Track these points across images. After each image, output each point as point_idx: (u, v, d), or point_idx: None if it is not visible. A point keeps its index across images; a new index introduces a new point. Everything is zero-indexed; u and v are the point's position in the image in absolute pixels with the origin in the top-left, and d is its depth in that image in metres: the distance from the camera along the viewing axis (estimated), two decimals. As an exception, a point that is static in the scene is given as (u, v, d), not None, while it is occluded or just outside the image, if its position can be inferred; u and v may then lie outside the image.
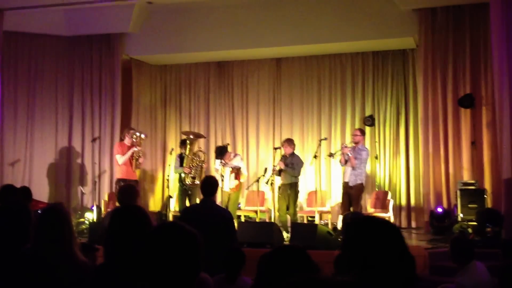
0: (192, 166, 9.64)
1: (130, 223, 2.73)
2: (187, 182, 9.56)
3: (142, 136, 10.00)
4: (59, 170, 11.64)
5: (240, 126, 12.29)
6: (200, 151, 9.91)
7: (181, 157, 9.84)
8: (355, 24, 10.45)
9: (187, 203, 9.60)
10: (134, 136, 9.86)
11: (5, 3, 10.02)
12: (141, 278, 1.98)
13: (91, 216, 10.20)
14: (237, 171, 9.89)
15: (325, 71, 11.78)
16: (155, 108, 12.65)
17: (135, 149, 9.80)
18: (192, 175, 9.62)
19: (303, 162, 9.93)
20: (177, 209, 9.62)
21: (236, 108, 12.33)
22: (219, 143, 12.04)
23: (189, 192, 9.66)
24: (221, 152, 9.98)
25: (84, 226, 9.76)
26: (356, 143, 9.48)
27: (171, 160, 10.59)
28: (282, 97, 12.03)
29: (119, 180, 9.81)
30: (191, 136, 9.93)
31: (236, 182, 9.90)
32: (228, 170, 9.83)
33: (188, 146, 9.72)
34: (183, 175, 9.64)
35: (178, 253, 1.98)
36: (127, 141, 9.94)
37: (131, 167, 9.84)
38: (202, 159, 9.82)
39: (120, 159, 9.83)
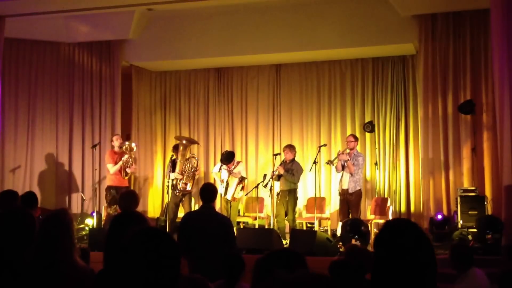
0: (184, 171, 9.61)
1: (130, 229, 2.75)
2: (179, 188, 9.52)
3: (133, 145, 9.97)
4: (59, 176, 11.65)
5: (239, 132, 12.28)
6: (193, 157, 9.87)
7: (173, 163, 9.82)
8: (355, 30, 10.46)
9: (181, 211, 9.61)
10: (124, 146, 9.85)
11: (6, 10, 10.04)
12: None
13: (91, 222, 10.19)
14: (241, 181, 9.92)
15: (324, 77, 11.78)
16: (155, 114, 12.67)
17: (124, 158, 9.79)
18: (184, 181, 9.59)
19: (303, 169, 9.92)
20: (170, 216, 9.55)
21: (235, 114, 12.33)
22: (219, 149, 12.09)
23: (182, 199, 9.63)
24: (228, 158, 9.97)
25: (84, 232, 9.76)
26: (351, 149, 9.51)
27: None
28: (282, 103, 12.02)
29: (109, 188, 9.80)
30: (184, 141, 9.90)
31: (243, 192, 9.97)
32: (235, 181, 9.82)
33: (181, 152, 9.70)
34: (174, 181, 9.61)
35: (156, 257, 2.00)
36: (116, 147, 9.95)
37: (121, 175, 9.85)
38: (195, 165, 9.79)
39: (111, 168, 9.83)
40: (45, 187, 11.47)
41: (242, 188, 9.98)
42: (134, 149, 10.04)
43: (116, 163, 9.80)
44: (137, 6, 10.48)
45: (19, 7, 9.95)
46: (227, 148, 11.61)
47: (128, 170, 9.88)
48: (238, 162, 10.25)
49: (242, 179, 9.94)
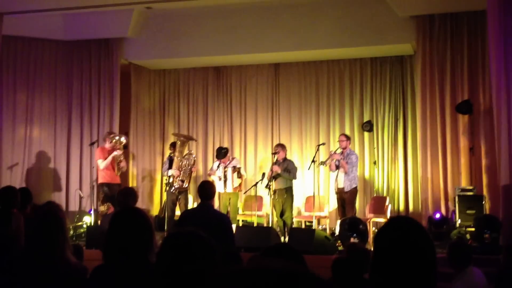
0: (181, 168, 9.59)
1: (130, 225, 2.78)
2: (175, 185, 9.51)
3: (122, 139, 9.92)
4: (57, 174, 11.64)
5: (238, 131, 12.30)
6: (190, 154, 9.87)
7: (170, 160, 9.81)
8: (353, 30, 10.47)
9: (177, 208, 9.62)
10: (114, 140, 9.80)
11: (4, 7, 10.03)
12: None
13: (89, 220, 10.18)
14: (238, 170, 9.95)
15: (323, 77, 11.80)
16: (153, 113, 12.66)
17: (115, 153, 9.73)
18: (181, 178, 9.57)
19: (297, 167, 9.99)
20: (168, 214, 9.53)
21: (234, 113, 12.34)
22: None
23: (179, 196, 9.62)
24: (220, 152, 9.99)
25: (82, 230, 9.75)
26: (344, 148, 9.57)
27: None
28: (281, 103, 12.04)
29: (102, 185, 9.68)
30: (182, 138, 9.89)
31: (240, 180, 9.97)
32: (229, 170, 9.83)
33: (178, 148, 9.69)
34: (171, 178, 9.60)
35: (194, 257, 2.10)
36: (107, 145, 9.89)
37: (114, 171, 9.79)
38: (192, 162, 9.78)
39: (101, 164, 9.69)
40: (43, 185, 11.46)
41: (239, 176, 9.99)
42: (124, 142, 9.98)
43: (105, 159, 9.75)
44: (135, 5, 10.49)
45: (17, 4, 9.94)
46: (226, 146, 11.60)
47: (121, 164, 9.83)
48: (233, 158, 10.28)
49: (234, 168, 9.96)
